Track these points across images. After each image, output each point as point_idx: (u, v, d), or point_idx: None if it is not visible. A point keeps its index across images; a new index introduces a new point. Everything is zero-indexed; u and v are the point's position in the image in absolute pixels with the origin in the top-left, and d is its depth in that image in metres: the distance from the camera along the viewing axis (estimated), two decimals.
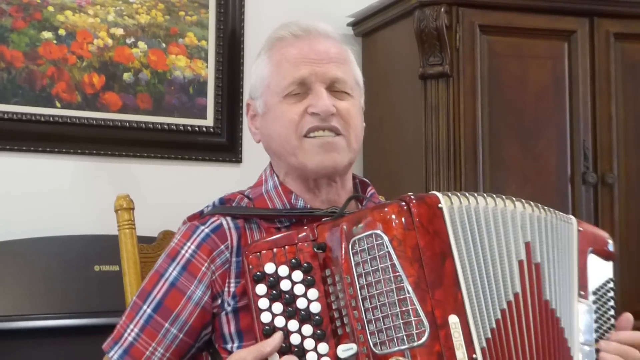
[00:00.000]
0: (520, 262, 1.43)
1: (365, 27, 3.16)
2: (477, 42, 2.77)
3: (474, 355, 1.32)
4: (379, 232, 1.35)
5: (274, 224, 1.59)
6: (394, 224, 1.35)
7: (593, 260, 1.55)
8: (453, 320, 1.32)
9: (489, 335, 1.36)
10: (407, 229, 1.34)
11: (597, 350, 1.50)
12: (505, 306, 1.39)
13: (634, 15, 2.92)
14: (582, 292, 1.51)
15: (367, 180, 1.73)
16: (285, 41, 1.62)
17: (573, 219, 1.55)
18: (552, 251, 1.49)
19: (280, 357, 1.39)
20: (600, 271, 1.56)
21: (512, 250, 1.43)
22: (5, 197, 2.77)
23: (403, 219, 1.35)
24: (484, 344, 1.35)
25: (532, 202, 1.48)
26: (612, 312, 1.55)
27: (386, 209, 1.37)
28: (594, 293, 1.53)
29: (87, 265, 2.57)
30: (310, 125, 1.57)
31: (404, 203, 1.36)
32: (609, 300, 1.56)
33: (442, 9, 2.71)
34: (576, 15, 2.87)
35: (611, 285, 1.57)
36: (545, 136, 2.81)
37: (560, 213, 1.53)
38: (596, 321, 1.51)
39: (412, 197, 1.37)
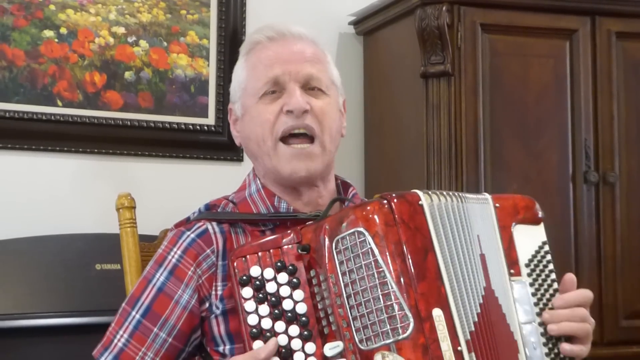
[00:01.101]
0: (481, 256, 1.46)
1: (367, 26, 3.16)
2: (478, 40, 2.77)
3: (459, 348, 1.34)
4: (361, 229, 1.37)
5: (258, 227, 1.61)
6: (375, 221, 1.37)
7: (520, 231, 1.53)
8: (437, 313, 1.34)
9: (473, 329, 1.37)
10: (388, 225, 1.36)
11: (543, 323, 1.48)
12: (482, 300, 1.42)
13: (636, 15, 2.91)
14: (513, 270, 1.50)
15: (348, 181, 1.74)
16: (261, 44, 1.65)
17: (488, 196, 1.54)
18: (487, 238, 1.49)
19: None
20: (531, 238, 1.54)
21: (476, 245, 1.46)
22: (7, 196, 2.77)
23: (384, 216, 1.37)
24: (468, 337, 1.36)
25: (460, 193, 1.50)
26: (552, 276, 1.53)
27: (368, 207, 1.39)
28: (527, 265, 1.51)
29: (89, 264, 2.58)
30: (285, 125, 1.59)
31: (385, 201, 1.39)
32: (546, 265, 1.53)
33: (444, 8, 2.71)
34: (578, 14, 2.86)
35: (546, 248, 1.54)
36: (546, 135, 2.81)
37: (475, 195, 1.53)
38: (534, 293, 1.50)
39: (393, 195, 1.39)
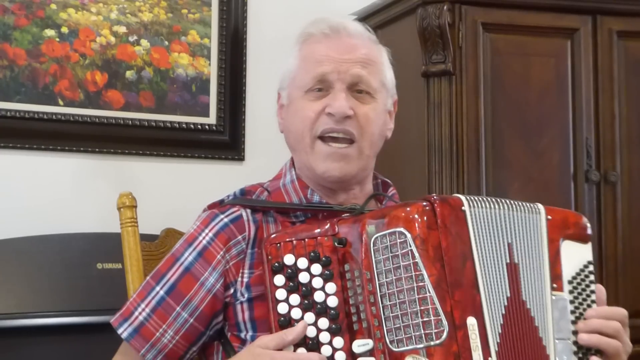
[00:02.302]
0: (507, 265, 1.44)
1: (368, 25, 3.15)
2: (479, 40, 2.76)
3: (490, 359, 1.33)
4: (402, 230, 1.36)
5: (289, 218, 1.61)
6: (417, 223, 1.36)
7: (568, 247, 1.50)
8: (471, 322, 1.33)
9: (499, 340, 1.37)
10: (430, 229, 1.36)
11: (575, 333, 1.47)
12: (504, 311, 1.40)
13: (637, 13, 2.91)
14: (555, 285, 1.48)
15: (388, 181, 1.74)
16: (315, 38, 1.65)
17: (541, 207, 1.51)
18: (526, 248, 1.47)
19: (295, 349, 1.40)
20: (577, 256, 1.51)
21: (501, 253, 1.44)
22: (8, 195, 2.77)
23: (426, 219, 1.36)
24: (497, 348, 1.36)
25: (504, 199, 1.48)
26: (592, 297, 1.51)
27: (409, 209, 1.38)
28: (570, 282, 1.49)
29: (90, 263, 2.57)
30: (325, 126, 1.59)
31: (427, 203, 1.38)
32: (588, 285, 1.51)
33: (445, 7, 2.70)
34: (579, 13, 2.86)
35: (590, 269, 1.52)
36: (548, 134, 2.81)
37: (528, 204, 1.51)
38: (573, 311, 1.48)
39: (436, 198, 1.38)
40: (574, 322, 1.47)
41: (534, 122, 2.80)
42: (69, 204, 2.83)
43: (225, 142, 3.05)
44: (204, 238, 1.58)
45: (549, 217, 1.50)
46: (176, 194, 2.91)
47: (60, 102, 2.85)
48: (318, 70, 1.60)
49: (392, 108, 1.72)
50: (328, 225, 1.45)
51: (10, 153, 2.80)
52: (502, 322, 1.39)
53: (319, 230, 1.45)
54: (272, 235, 1.48)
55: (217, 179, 2.99)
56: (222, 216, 1.59)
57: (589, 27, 2.86)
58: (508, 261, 1.44)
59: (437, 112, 2.74)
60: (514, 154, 2.77)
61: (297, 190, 1.64)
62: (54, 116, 2.83)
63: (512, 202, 1.48)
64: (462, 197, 1.40)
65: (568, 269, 1.49)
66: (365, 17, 3.16)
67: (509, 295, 1.42)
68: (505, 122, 2.77)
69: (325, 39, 1.64)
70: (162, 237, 1.93)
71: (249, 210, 1.60)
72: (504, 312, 1.40)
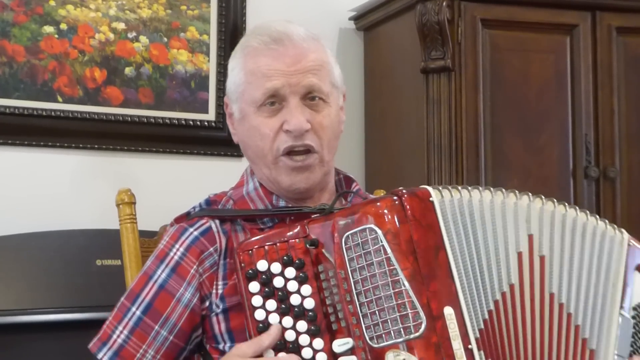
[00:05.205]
0: (520, 254, 1.42)
1: (367, 22, 3.16)
2: (479, 36, 2.77)
3: (470, 346, 1.33)
4: (372, 226, 1.35)
5: (257, 224, 1.59)
6: (387, 218, 1.35)
7: (638, 278, 1.53)
8: (448, 311, 1.33)
9: (482, 327, 1.36)
10: (400, 223, 1.35)
11: (630, 355, 1.49)
12: (498, 297, 1.39)
13: (636, 10, 2.91)
14: (622, 305, 1.49)
15: (351, 176, 1.72)
16: (258, 50, 1.59)
17: (625, 232, 1.54)
18: (567, 246, 1.46)
19: (276, 354, 1.39)
20: None
21: (509, 241, 1.42)
22: (7, 192, 2.77)
23: (396, 213, 1.36)
24: (477, 335, 1.35)
25: (557, 201, 1.48)
26: None
27: (378, 204, 1.37)
28: (634, 309, 1.52)
29: (89, 260, 2.58)
30: (285, 144, 1.56)
31: (396, 197, 1.37)
32: None
33: (444, 3, 2.71)
34: (578, 9, 2.86)
35: None
36: (547, 130, 2.81)
37: (612, 226, 1.53)
38: (633, 336, 1.50)
39: (404, 191, 1.38)
40: (631, 346, 1.50)
41: (533, 118, 2.80)
42: (67, 201, 2.83)
43: (224, 138, 3.03)
44: (175, 254, 1.55)
45: (631, 243, 1.54)
46: (175, 190, 2.91)
47: (59, 99, 2.85)
48: (269, 86, 1.56)
49: (342, 103, 1.68)
50: (298, 227, 1.44)
51: (9, 150, 2.80)
52: (492, 308, 1.38)
53: (290, 233, 1.44)
54: (244, 242, 1.46)
55: (216, 175, 2.98)
56: (191, 229, 1.56)
57: (588, 23, 2.87)
58: (521, 250, 1.42)
59: (436, 108, 2.74)
60: (513, 150, 2.77)
61: (261, 197, 1.62)
62: (52, 113, 2.83)
63: (600, 220, 1.51)
64: (429, 188, 1.39)
65: (635, 297, 1.53)
66: (364, 14, 3.16)
67: (512, 282, 1.41)
68: (504, 119, 2.78)
69: (270, 51, 1.57)
70: (160, 233, 1.93)
71: (217, 221, 1.57)
72: (497, 297, 1.39)
